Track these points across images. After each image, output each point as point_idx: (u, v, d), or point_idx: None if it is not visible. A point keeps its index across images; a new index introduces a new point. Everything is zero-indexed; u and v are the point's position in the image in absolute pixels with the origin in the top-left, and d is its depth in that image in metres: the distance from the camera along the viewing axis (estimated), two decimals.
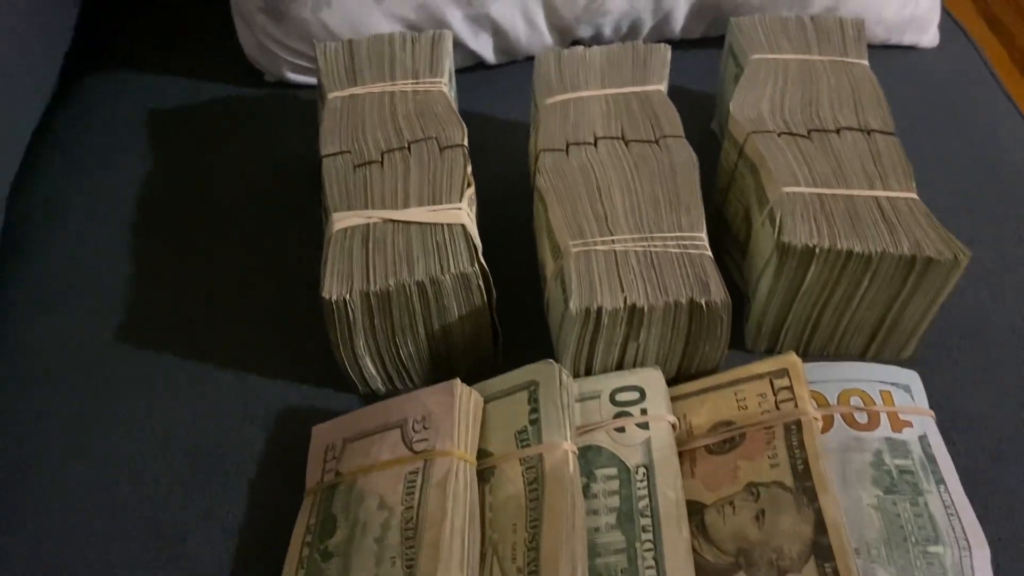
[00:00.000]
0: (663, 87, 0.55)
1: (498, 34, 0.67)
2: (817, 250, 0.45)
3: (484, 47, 0.68)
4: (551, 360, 0.44)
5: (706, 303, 0.44)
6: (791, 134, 0.52)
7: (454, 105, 0.57)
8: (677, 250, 0.46)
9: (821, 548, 0.39)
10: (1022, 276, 0.57)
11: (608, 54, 0.57)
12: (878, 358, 0.52)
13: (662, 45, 0.57)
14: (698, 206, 0.48)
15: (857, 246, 0.45)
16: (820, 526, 0.39)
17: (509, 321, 0.50)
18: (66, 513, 0.46)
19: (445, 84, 0.55)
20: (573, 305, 0.44)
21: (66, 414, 0.51)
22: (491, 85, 0.69)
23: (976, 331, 0.54)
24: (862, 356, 0.52)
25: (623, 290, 0.44)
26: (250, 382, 0.51)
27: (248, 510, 0.46)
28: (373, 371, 0.49)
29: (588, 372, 0.48)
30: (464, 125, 0.52)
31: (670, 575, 0.38)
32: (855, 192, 0.49)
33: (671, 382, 0.48)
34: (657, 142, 0.52)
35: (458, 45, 0.66)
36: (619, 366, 0.47)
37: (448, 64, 0.57)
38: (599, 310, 0.44)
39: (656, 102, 0.54)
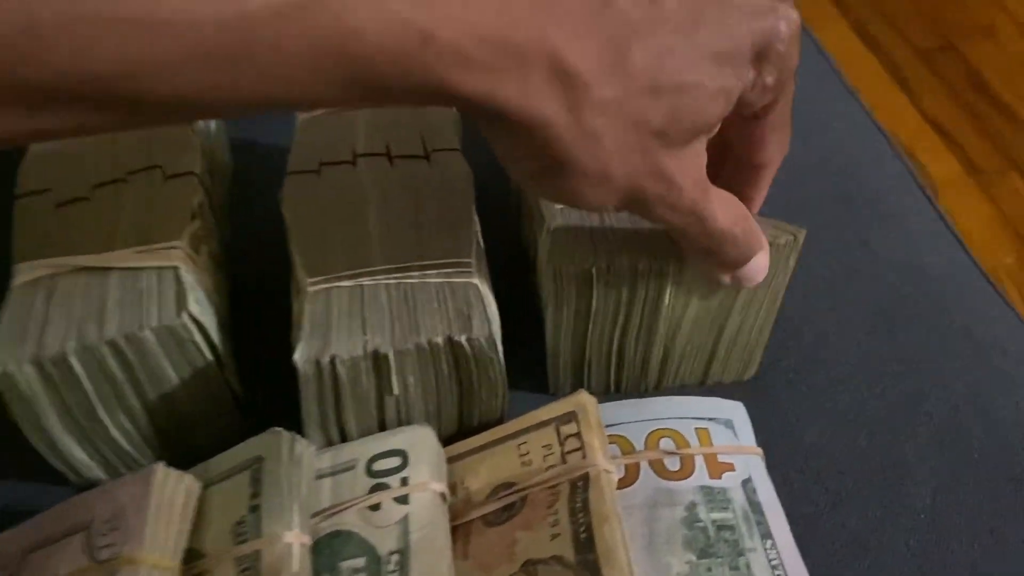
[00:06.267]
0: None
1: None
2: (595, 271, 0.38)
3: None
4: (278, 428, 0.35)
5: (467, 340, 0.36)
6: None
7: (210, 126, 0.48)
8: (438, 279, 0.38)
9: None
10: (865, 287, 0.51)
11: None
12: (721, 384, 0.45)
13: None
14: (468, 226, 0.40)
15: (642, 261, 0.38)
16: None
17: (271, 381, 0.41)
18: None
19: None
20: (299, 357, 0.35)
21: None
22: None
23: (817, 349, 0.48)
24: (701, 383, 0.45)
25: (364, 333, 0.36)
26: None
27: None
28: (84, 457, 0.39)
29: (344, 439, 0.39)
30: (201, 147, 0.44)
31: None
32: None
33: (452, 440, 0.40)
34: (428, 157, 0.44)
35: None
36: (381, 428, 0.39)
37: None
38: (332, 360, 0.35)
39: (432, 110, 0.46)
